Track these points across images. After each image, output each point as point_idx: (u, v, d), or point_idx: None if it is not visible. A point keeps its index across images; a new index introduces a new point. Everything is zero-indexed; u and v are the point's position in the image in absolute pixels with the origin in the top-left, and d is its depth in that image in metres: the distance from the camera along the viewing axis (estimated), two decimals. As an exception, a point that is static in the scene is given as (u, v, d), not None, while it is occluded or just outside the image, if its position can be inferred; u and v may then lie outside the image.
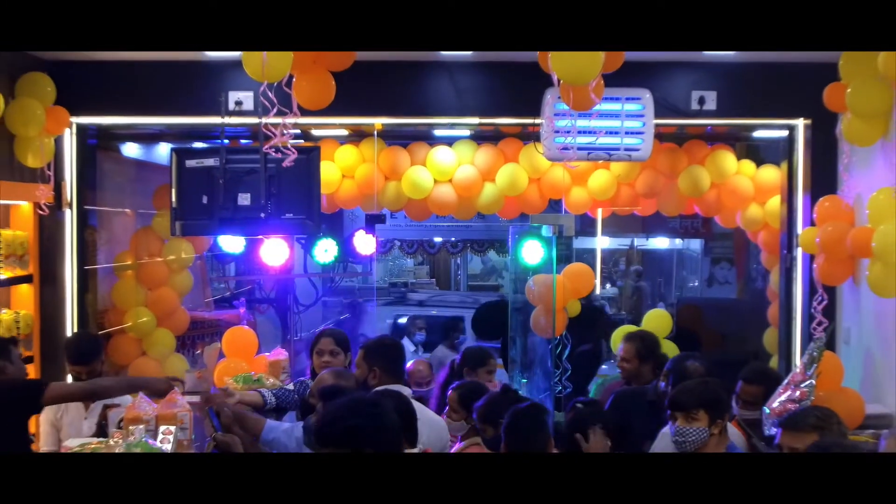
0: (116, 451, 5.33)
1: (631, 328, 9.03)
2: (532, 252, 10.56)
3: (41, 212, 8.23)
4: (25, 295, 8.19)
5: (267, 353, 9.00)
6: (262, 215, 7.71)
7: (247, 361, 8.75)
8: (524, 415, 5.78)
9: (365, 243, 11.97)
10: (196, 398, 6.57)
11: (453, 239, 17.31)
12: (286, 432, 6.03)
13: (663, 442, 5.70)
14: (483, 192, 9.71)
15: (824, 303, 7.91)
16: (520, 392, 7.43)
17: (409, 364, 8.54)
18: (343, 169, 9.61)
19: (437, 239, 17.34)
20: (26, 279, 8.13)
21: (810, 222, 7.98)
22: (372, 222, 11.45)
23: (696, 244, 15.70)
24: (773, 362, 9.18)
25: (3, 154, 7.64)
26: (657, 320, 10.21)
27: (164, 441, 5.79)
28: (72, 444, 5.61)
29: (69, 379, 7.24)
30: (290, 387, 7.30)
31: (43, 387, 6.08)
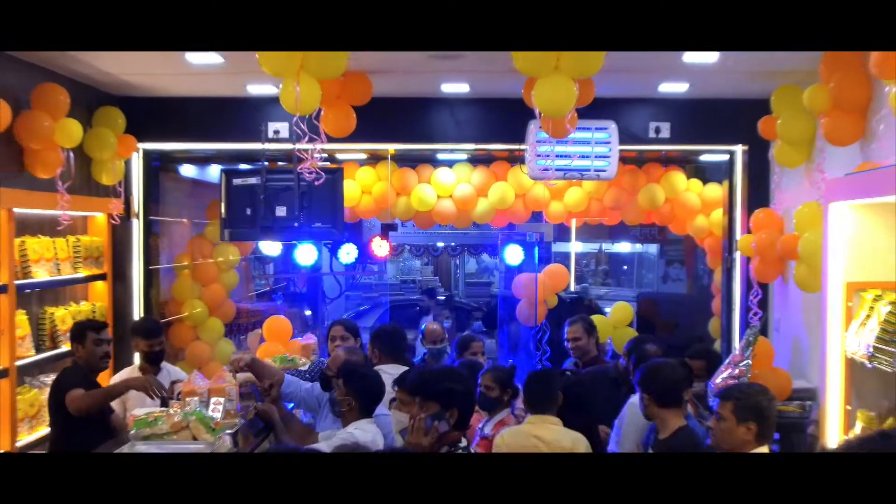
0: (175, 419, 5.33)
1: (600, 317, 9.03)
2: (516, 255, 10.62)
3: (113, 221, 8.25)
4: (100, 290, 8.20)
5: (300, 338, 9.01)
6: (296, 224, 7.73)
7: (283, 345, 8.76)
8: (541, 374, 5.99)
9: (380, 247, 11.97)
10: (244, 375, 6.56)
11: (453, 244, 17.31)
12: (307, 391, 6.06)
13: (632, 409, 5.67)
14: (478, 205, 9.71)
15: (759, 297, 7.93)
16: None
17: (424, 325, 8.61)
18: (362, 186, 9.62)
19: (440, 244, 17.34)
20: (101, 277, 8.15)
21: (747, 230, 7.97)
22: (386, 230, 11.46)
23: (653, 248, 15.72)
24: (717, 346, 9.17)
25: (82, 174, 7.64)
26: (621, 311, 10.22)
27: (215, 410, 5.78)
28: (138, 412, 5.60)
29: (136, 357, 7.23)
30: (304, 367, 7.32)
31: (65, 391, 6.01)
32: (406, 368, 6.13)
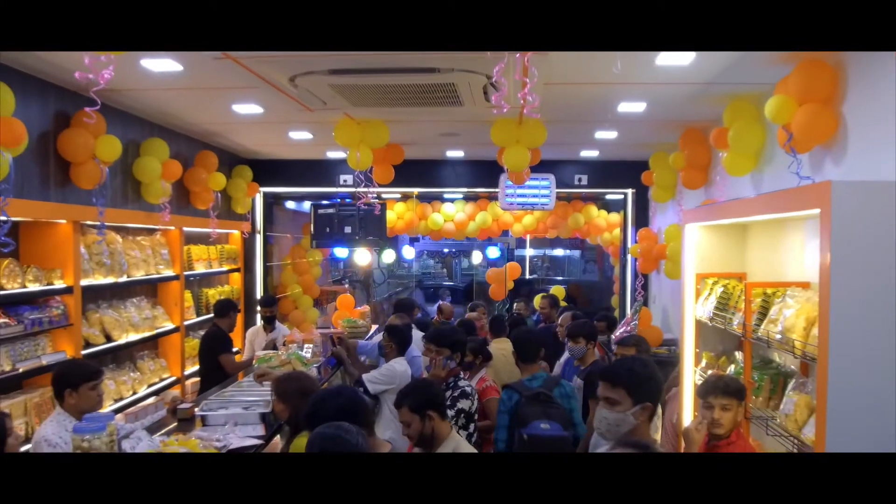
0: (282, 357, 5.32)
1: (545, 294, 9.03)
2: (492, 255, 10.61)
3: (244, 236, 8.26)
4: (236, 278, 8.22)
5: (358, 307, 9.03)
6: (356, 237, 7.78)
7: (348, 311, 8.77)
8: (496, 318, 6.13)
9: (409, 252, 12.04)
10: (325, 330, 6.58)
11: (454, 250, 17.33)
12: (371, 348, 6.03)
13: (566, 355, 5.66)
14: (469, 226, 9.73)
15: (642, 283, 7.94)
16: None
17: (440, 303, 8.65)
18: (398, 214, 9.62)
19: (446, 250, 17.37)
20: (236, 270, 8.17)
21: (635, 241, 7.98)
22: (413, 241, 11.52)
23: (577, 252, 15.70)
24: (616, 313, 9.17)
25: (225, 206, 7.67)
26: (557, 291, 10.22)
27: (307, 352, 5.79)
28: (259, 353, 5.61)
29: (258, 318, 7.25)
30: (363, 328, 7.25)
31: (223, 352, 6.07)
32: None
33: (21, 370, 4.35)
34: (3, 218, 3.97)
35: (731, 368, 4.52)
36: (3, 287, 4.26)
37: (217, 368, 5.95)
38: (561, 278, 15.14)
